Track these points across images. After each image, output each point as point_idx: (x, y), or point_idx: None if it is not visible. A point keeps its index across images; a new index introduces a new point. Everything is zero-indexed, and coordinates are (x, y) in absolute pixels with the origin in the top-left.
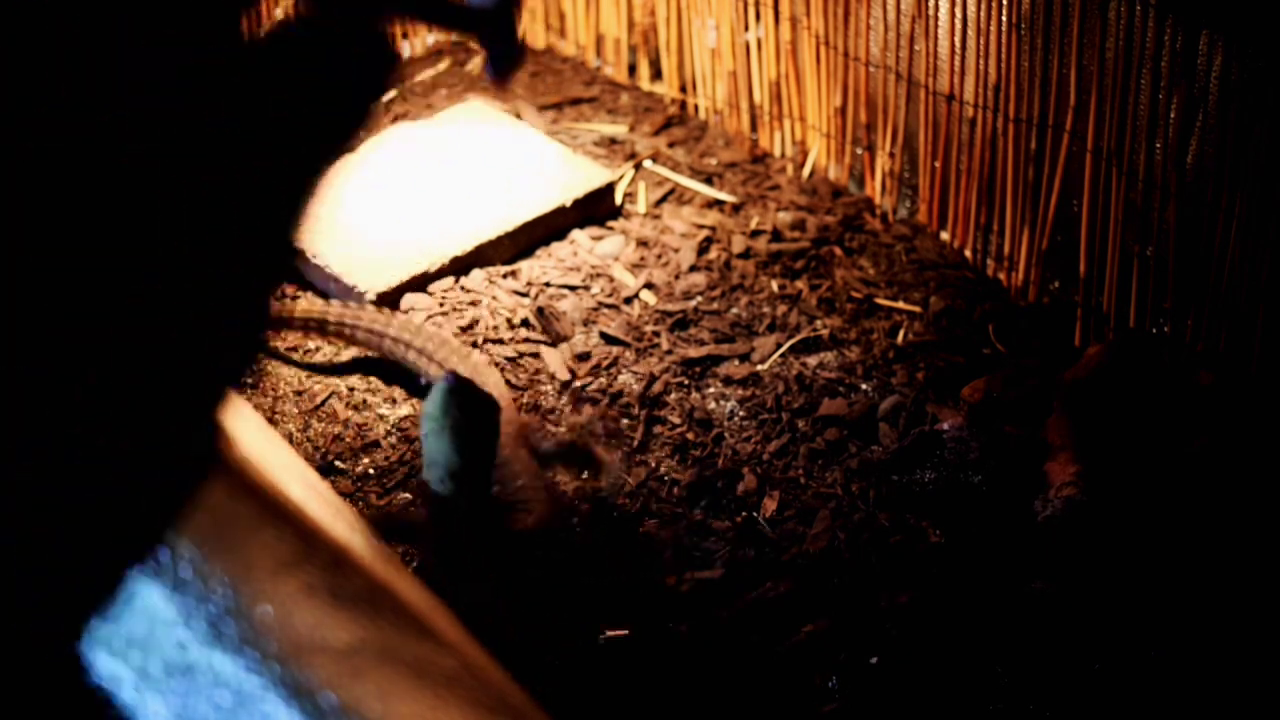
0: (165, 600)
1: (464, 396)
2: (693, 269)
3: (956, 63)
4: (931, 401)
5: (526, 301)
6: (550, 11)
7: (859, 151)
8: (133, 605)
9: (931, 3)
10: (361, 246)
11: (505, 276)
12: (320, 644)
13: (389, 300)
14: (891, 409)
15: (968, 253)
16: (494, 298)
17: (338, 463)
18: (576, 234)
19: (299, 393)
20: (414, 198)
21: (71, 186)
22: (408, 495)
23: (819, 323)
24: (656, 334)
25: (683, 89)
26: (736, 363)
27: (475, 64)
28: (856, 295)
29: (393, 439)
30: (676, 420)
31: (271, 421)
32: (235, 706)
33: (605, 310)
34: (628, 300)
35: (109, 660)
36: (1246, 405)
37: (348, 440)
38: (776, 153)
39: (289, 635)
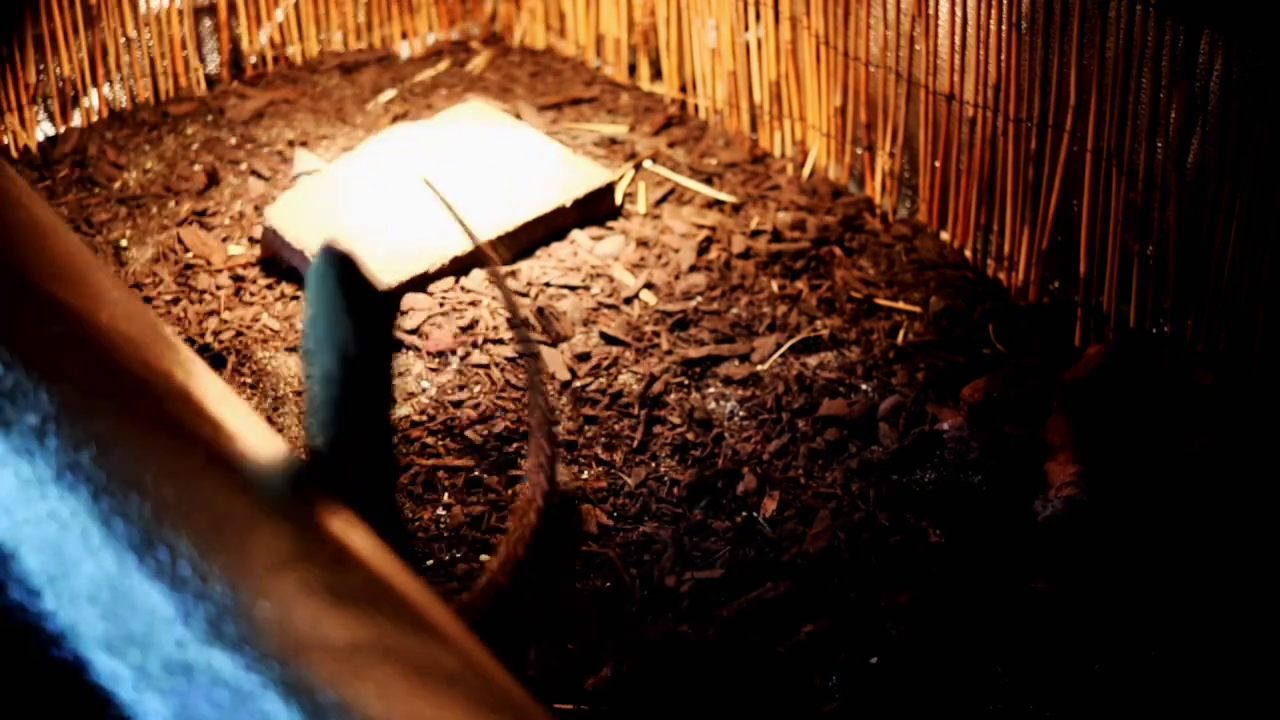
0: (164, 598)
1: (346, 277)
2: (693, 269)
3: (956, 62)
4: (931, 401)
5: (526, 301)
6: (550, 11)
7: (859, 151)
8: (132, 603)
9: (931, 3)
10: (361, 246)
11: (505, 276)
12: (320, 642)
13: (389, 300)
14: (891, 409)
15: (968, 253)
16: (494, 298)
17: None
18: (576, 234)
19: (299, 393)
20: (414, 198)
21: None
22: (406, 497)
23: (819, 323)
24: (656, 334)
25: (683, 89)
26: (736, 363)
27: (475, 64)
28: (856, 295)
29: (393, 439)
30: (676, 420)
31: (271, 422)
32: (234, 705)
33: (605, 310)
34: (628, 300)
35: (107, 659)
36: (1246, 405)
37: None
38: (776, 153)
39: (288, 633)
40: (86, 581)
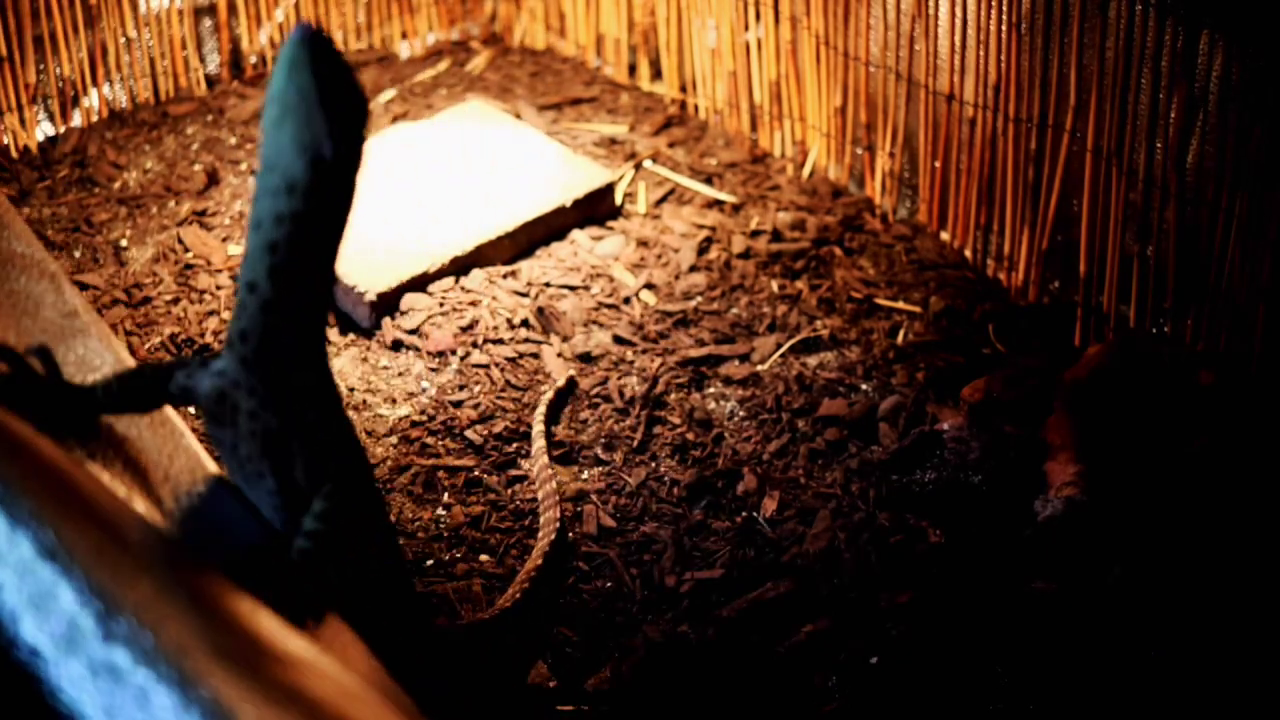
0: None
1: (323, 62)
2: (693, 269)
3: (956, 63)
4: (931, 401)
5: (526, 301)
6: (550, 11)
7: (859, 151)
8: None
9: (931, 3)
10: (361, 247)
11: (505, 276)
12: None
13: (389, 300)
14: (891, 409)
15: (968, 253)
16: (494, 298)
17: None
18: (576, 234)
19: None
20: (414, 198)
21: None
22: (407, 497)
23: (819, 323)
24: (657, 334)
25: (683, 89)
26: (736, 363)
27: (475, 64)
28: (856, 295)
29: (393, 439)
30: (676, 420)
31: None
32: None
33: (605, 310)
34: (628, 300)
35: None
36: (1246, 405)
37: None
38: (776, 153)
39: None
40: None
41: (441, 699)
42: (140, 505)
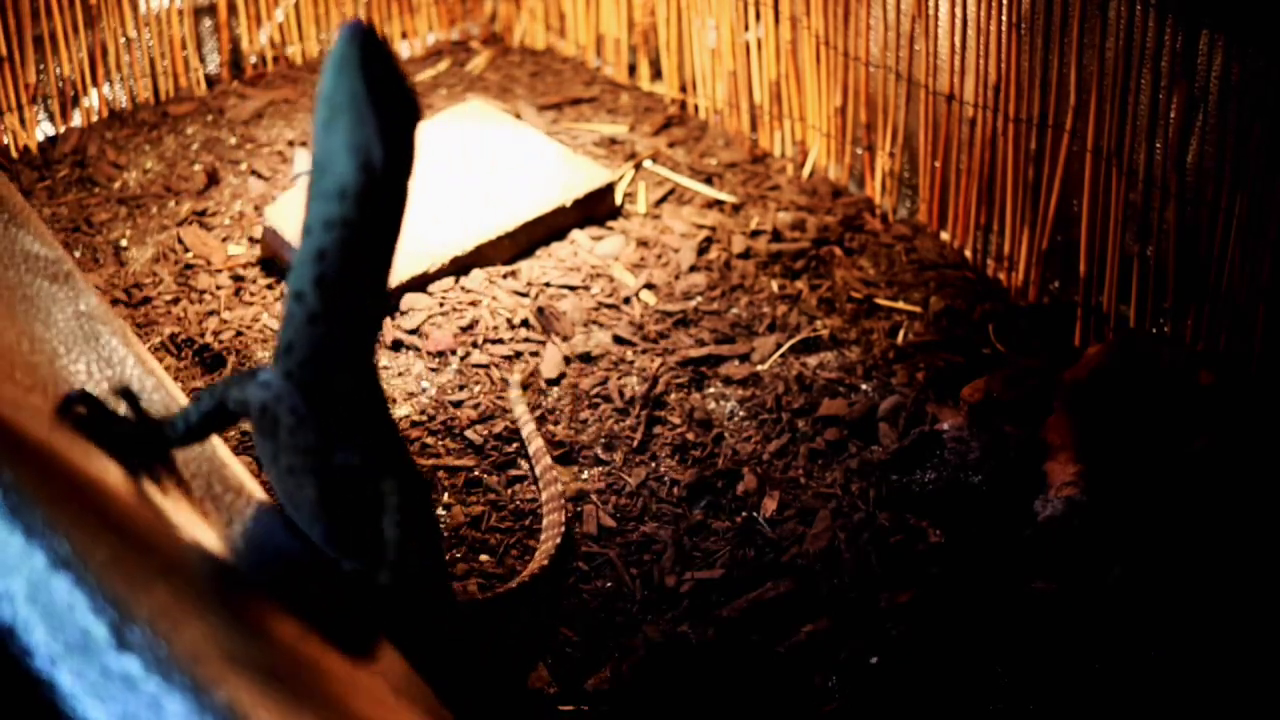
0: None
1: (376, 62)
2: (693, 269)
3: (956, 63)
4: (931, 401)
5: (526, 301)
6: (550, 11)
7: (859, 151)
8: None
9: (931, 3)
10: None
11: (505, 276)
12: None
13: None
14: (891, 409)
15: (968, 253)
16: (494, 298)
17: None
18: (576, 234)
19: None
20: (414, 198)
21: None
22: None
23: (819, 323)
24: (657, 334)
25: (683, 89)
26: (736, 363)
27: (475, 64)
28: (856, 295)
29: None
30: (676, 420)
31: None
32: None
33: (605, 310)
34: (628, 300)
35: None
36: (1246, 405)
37: None
38: (776, 153)
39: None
40: None
41: (465, 692)
42: (166, 511)
